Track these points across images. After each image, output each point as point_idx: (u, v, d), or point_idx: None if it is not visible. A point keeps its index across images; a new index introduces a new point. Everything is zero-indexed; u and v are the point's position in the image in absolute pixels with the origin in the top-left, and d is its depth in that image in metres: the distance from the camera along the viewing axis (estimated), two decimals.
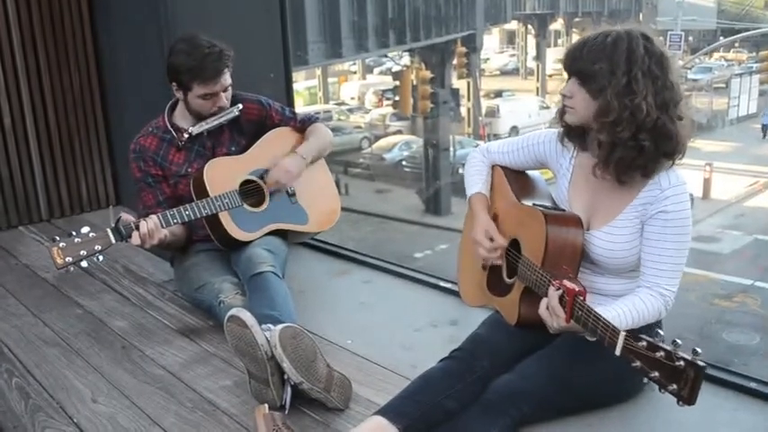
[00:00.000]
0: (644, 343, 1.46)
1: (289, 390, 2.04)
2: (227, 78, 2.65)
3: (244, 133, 2.82)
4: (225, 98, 2.68)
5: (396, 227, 16.88)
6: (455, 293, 2.69)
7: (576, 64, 1.78)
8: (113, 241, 2.41)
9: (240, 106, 2.74)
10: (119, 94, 4.07)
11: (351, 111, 27.68)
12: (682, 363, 1.39)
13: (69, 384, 2.28)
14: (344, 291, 3.02)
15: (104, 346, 2.53)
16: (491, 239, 2.03)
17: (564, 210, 1.95)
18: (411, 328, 2.62)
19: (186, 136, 2.71)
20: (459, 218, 2.07)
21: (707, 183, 17.99)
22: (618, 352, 1.51)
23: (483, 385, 1.83)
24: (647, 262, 1.80)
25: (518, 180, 2.10)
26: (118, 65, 4.00)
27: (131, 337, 2.60)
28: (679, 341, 1.43)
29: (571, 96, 1.81)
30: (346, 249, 3.42)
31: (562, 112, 1.87)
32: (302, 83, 28.24)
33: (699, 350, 1.40)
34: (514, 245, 1.98)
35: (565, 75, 1.86)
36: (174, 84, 2.67)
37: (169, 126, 2.76)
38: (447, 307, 2.75)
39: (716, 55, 30.12)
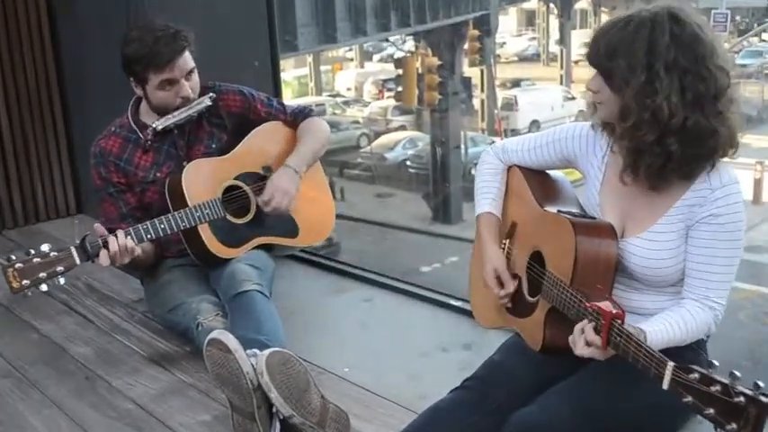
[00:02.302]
0: (696, 375, 1.44)
1: (277, 425, 2.04)
2: (186, 62, 2.64)
3: (224, 127, 2.82)
4: (188, 87, 2.66)
5: (399, 237, 16.90)
6: (468, 313, 2.70)
7: (595, 58, 1.79)
8: (78, 262, 2.41)
9: (213, 95, 2.73)
10: (82, 91, 4.09)
11: (347, 103, 27.76)
12: (742, 399, 1.39)
13: (24, 422, 2.29)
14: (341, 311, 3.03)
15: (65, 377, 2.54)
16: (501, 284, 2.03)
17: (594, 217, 1.95)
18: (418, 353, 2.62)
19: (152, 132, 2.71)
20: (471, 226, 2.08)
21: (758, 184, 17.99)
22: (666, 385, 1.50)
23: (500, 418, 1.82)
24: (695, 272, 1.80)
25: (540, 182, 2.09)
26: (81, 58, 4.02)
27: (96, 365, 2.60)
28: (737, 373, 1.43)
29: (598, 91, 1.81)
30: (343, 263, 3.43)
31: (594, 107, 1.88)
32: (291, 72, 28.33)
33: (761, 384, 1.40)
34: (537, 257, 1.98)
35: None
36: (131, 78, 2.68)
37: (133, 124, 2.76)
38: (459, 329, 2.76)
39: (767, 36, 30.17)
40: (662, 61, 1.70)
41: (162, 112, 2.70)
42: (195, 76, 2.70)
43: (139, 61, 2.61)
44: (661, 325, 1.72)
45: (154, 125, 2.70)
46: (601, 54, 1.76)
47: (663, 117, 1.70)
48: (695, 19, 1.75)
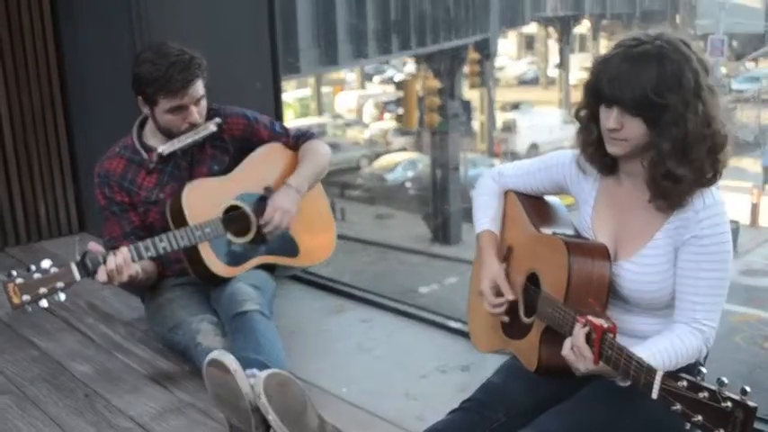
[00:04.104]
0: (684, 383, 1.46)
1: None
2: (197, 90, 2.65)
3: (227, 150, 2.83)
4: (197, 113, 2.67)
5: (398, 257, 16.88)
6: (466, 335, 2.70)
7: (638, 99, 1.73)
8: (78, 278, 2.41)
9: (218, 120, 2.74)
10: (85, 108, 4.10)
11: (348, 125, 27.83)
12: (729, 404, 1.40)
13: None
14: (340, 331, 3.03)
15: (64, 394, 2.53)
16: (498, 293, 2.03)
17: (588, 239, 1.96)
18: (416, 374, 2.62)
19: (156, 157, 2.72)
20: (470, 247, 2.11)
21: (755, 208, 18.00)
22: (655, 395, 1.51)
23: None
24: (683, 294, 1.81)
25: (535, 207, 2.11)
26: (85, 76, 4.05)
27: (95, 383, 2.60)
28: (725, 379, 1.43)
29: (620, 128, 1.79)
30: (342, 284, 3.43)
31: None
32: (292, 93, 28.44)
33: (748, 389, 1.41)
34: (532, 279, 1.98)
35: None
36: (139, 97, 2.68)
37: (138, 145, 2.77)
38: (457, 350, 2.76)
39: (764, 62, 30.32)
40: (704, 87, 1.73)
41: (167, 133, 2.71)
42: (204, 102, 2.70)
43: (151, 84, 2.60)
44: (649, 350, 1.72)
45: (160, 150, 2.70)
46: (645, 94, 1.72)
47: (720, 141, 1.73)
48: (698, 47, 1.78)
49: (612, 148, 1.82)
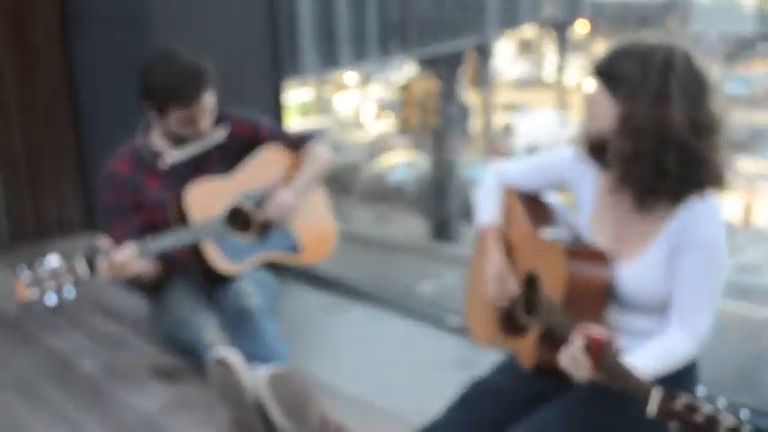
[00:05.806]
0: (682, 401, 1.46)
1: None
2: (207, 99, 2.64)
3: (232, 153, 2.82)
4: (206, 121, 2.67)
5: (398, 255, 16.89)
6: (465, 331, 2.70)
7: (605, 64, 1.79)
8: (85, 273, 2.40)
9: (226, 129, 2.74)
10: (93, 107, 4.10)
11: (348, 126, 27.83)
12: (726, 427, 1.39)
13: None
14: (341, 328, 3.03)
15: (71, 390, 2.53)
16: (503, 285, 2.03)
17: (587, 241, 1.95)
18: (415, 369, 2.62)
19: (163, 163, 2.71)
20: (469, 244, 2.13)
21: (747, 207, 18.02)
22: (651, 411, 1.50)
23: None
24: (678, 297, 1.80)
25: (535, 205, 2.10)
26: (93, 75, 4.04)
27: (102, 379, 2.60)
28: (723, 399, 1.43)
29: (595, 102, 1.81)
30: (343, 281, 3.43)
31: (585, 125, 1.87)
32: (294, 93, 28.39)
33: (744, 413, 1.40)
34: (531, 278, 1.98)
35: (585, 82, 1.88)
36: (148, 105, 2.67)
37: (145, 149, 2.76)
38: (456, 346, 2.76)
39: (756, 65, 30.31)
40: (676, 79, 1.72)
41: (174, 138, 2.71)
42: (213, 111, 2.70)
43: (161, 93, 2.59)
44: (643, 356, 1.71)
45: (167, 159, 2.69)
46: (612, 60, 1.77)
47: (668, 130, 1.71)
48: (704, 66, 1.77)
49: (587, 124, 1.84)
